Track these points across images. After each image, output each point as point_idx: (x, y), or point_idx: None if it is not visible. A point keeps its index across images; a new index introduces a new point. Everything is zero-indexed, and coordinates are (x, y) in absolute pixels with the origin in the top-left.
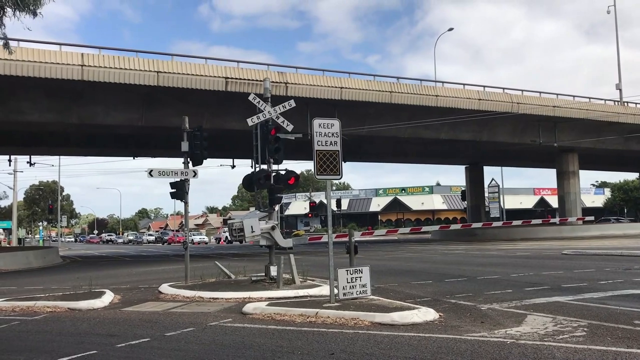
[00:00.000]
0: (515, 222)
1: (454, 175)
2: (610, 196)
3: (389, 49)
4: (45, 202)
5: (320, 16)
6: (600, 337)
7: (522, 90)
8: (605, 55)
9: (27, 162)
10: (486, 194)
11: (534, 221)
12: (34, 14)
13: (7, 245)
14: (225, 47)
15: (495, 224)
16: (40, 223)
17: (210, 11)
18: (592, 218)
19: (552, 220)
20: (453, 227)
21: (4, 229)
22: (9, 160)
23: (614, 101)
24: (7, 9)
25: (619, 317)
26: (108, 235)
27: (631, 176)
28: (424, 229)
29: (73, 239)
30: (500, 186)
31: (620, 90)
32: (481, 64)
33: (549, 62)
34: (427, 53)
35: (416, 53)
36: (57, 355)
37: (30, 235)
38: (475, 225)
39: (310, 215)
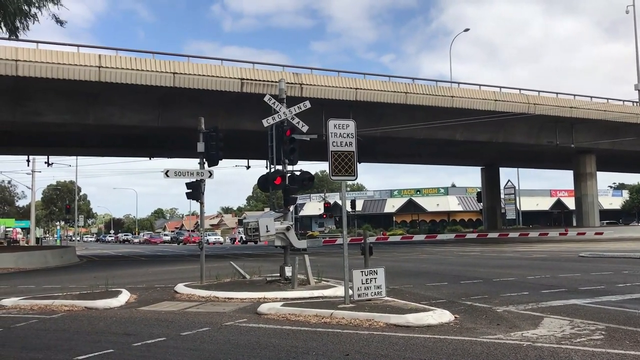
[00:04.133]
0: (532, 234)
1: (470, 177)
2: (628, 198)
3: (403, 48)
4: (63, 201)
5: (333, 15)
6: (618, 340)
7: (539, 91)
8: (626, 53)
9: (45, 163)
10: (502, 196)
11: (551, 233)
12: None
13: (26, 245)
14: (239, 47)
15: (511, 234)
16: (58, 223)
17: (222, 10)
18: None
19: (569, 233)
20: (469, 236)
21: (22, 229)
22: (28, 161)
23: (633, 102)
24: None
25: (638, 320)
26: (124, 235)
27: None
28: (439, 237)
29: (94, 239)
30: (517, 187)
31: (639, 90)
32: (497, 63)
33: (567, 61)
34: (442, 52)
35: (431, 52)
36: (74, 354)
37: (48, 235)
38: (491, 235)
39: (324, 216)
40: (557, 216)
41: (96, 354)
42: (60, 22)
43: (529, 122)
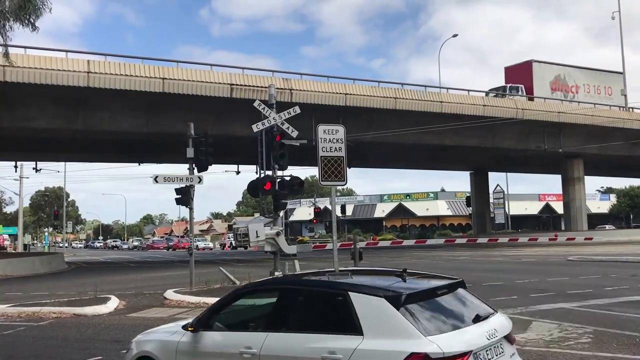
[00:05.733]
0: (521, 238)
1: (459, 181)
2: (615, 202)
3: (393, 52)
4: (51, 208)
5: (323, 20)
6: (606, 343)
7: (527, 96)
8: (615, 59)
9: (33, 168)
10: (491, 200)
11: (540, 238)
12: (34, 27)
13: (13, 251)
14: (228, 51)
15: (500, 239)
16: (46, 229)
17: (211, 15)
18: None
19: (559, 239)
20: (458, 241)
21: (10, 235)
22: (15, 167)
23: (620, 107)
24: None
25: (625, 323)
26: (113, 241)
27: (637, 182)
28: (429, 242)
29: (82, 245)
30: (505, 192)
31: (625, 95)
32: (487, 68)
33: None
34: (431, 56)
35: (420, 57)
36: None
37: (36, 241)
38: (480, 240)
39: (314, 221)
40: (546, 220)
41: None
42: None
43: (517, 127)
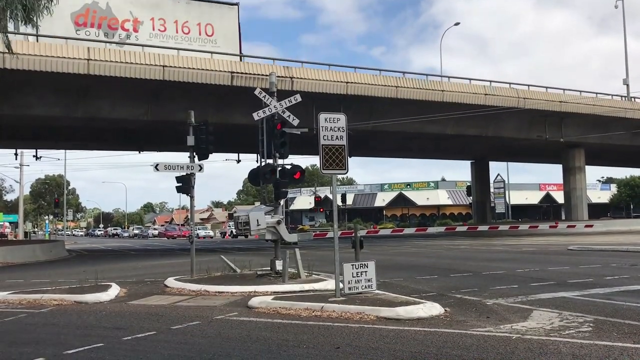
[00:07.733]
0: (521, 227)
1: (460, 171)
2: (616, 192)
3: (394, 40)
4: (51, 195)
5: (324, 7)
6: (606, 332)
7: (529, 85)
8: (617, 48)
9: (34, 156)
10: (492, 190)
11: (541, 226)
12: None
13: (14, 239)
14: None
15: (501, 227)
16: (47, 217)
17: None
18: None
19: (559, 227)
20: (459, 229)
21: (10, 223)
22: (15, 154)
23: (621, 96)
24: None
25: (625, 312)
26: (114, 229)
27: (638, 172)
28: (429, 230)
29: (83, 233)
30: (506, 181)
31: (628, 85)
32: (488, 58)
33: (558, 55)
34: (432, 45)
35: (421, 45)
36: (63, 348)
37: (37, 229)
38: (481, 228)
39: (315, 209)
40: (546, 210)
41: (86, 347)
42: None
43: (518, 117)
